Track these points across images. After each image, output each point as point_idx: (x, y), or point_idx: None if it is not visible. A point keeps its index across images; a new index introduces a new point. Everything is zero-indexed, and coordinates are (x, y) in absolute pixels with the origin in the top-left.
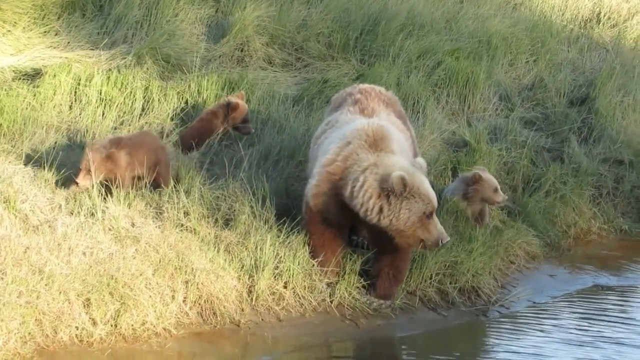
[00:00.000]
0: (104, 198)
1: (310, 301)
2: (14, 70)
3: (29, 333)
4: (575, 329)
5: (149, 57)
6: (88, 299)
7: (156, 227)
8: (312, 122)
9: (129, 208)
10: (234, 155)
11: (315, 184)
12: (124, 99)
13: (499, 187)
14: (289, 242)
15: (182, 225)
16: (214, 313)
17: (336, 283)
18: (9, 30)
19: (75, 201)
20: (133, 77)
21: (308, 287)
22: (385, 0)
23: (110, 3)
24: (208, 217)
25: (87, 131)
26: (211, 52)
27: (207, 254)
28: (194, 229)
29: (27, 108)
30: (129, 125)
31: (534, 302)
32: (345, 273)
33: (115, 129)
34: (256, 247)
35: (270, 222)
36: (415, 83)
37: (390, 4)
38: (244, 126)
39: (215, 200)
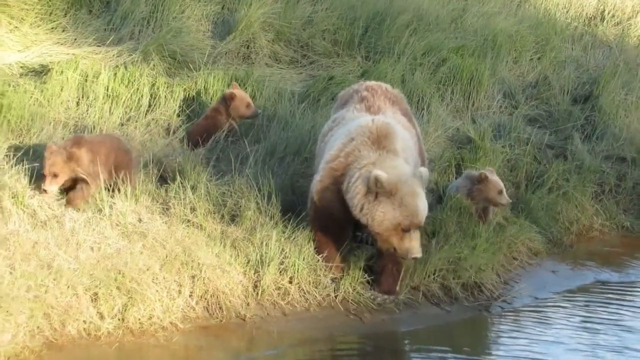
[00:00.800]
0: (111, 194)
1: (315, 296)
2: (21, 67)
3: (38, 327)
4: (577, 325)
5: (155, 53)
6: (96, 294)
7: (163, 222)
8: (318, 119)
9: (136, 204)
10: (239, 151)
11: (319, 180)
12: (131, 95)
13: (504, 189)
14: (294, 238)
15: (188, 220)
16: (220, 307)
17: (341, 278)
18: (16, 27)
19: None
20: (140, 73)
21: (313, 282)
22: None
23: (117, 0)
24: (214, 213)
25: (94, 127)
26: (217, 48)
27: (214, 249)
28: (201, 225)
29: (34, 104)
30: (136, 121)
31: (536, 298)
32: (349, 268)
33: (122, 125)
34: (262, 243)
35: (276, 218)
36: (420, 80)
37: (396, 1)
38: (249, 111)
39: (222, 196)
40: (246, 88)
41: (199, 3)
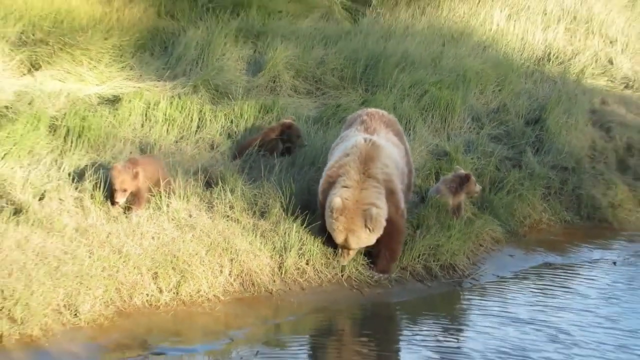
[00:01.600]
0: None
1: (326, 274)
2: (98, 97)
3: (111, 299)
4: (529, 295)
5: (202, 86)
6: (156, 273)
7: (208, 217)
8: (328, 137)
9: (187, 203)
10: (268, 162)
11: (321, 183)
12: (183, 119)
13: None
14: (310, 229)
15: (228, 216)
16: (252, 283)
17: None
18: (95, 66)
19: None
20: (190, 102)
21: (324, 264)
22: (385, 44)
23: (173, 45)
24: (248, 210)
25: (155, 144)
26: (250, 83)
27: (247, 238)
28: (237, 219)
29: (108, 126)
30: (187, 139)
31: (498, 276)
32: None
33: (177, 142)
34: (285, 233)
35: (296, 213)
36: (407, 107)
37: (389, 46)
38: (298, 141)
39: (254, 197)
40: (273, 113)
41: (236, 48)
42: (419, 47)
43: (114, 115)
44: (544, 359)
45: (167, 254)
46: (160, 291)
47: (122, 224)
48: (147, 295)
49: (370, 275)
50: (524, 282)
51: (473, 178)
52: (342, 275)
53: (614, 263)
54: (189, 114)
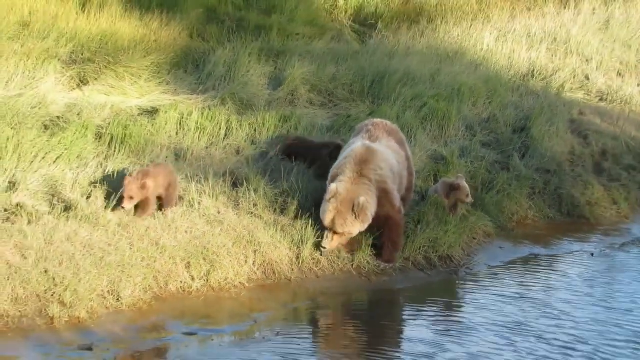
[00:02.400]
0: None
1: (339, 264)
2: (138, 109)
3: (149, 285)
4: (517, 282)
5: (229, 99)
6: (189, 262)
7: (234, 214)
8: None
9: (216, 201)
10: (287, 165)
11: (328, 181)
12: (213, 127)
13: (469, 192)
14: None
15: (252, 212)
16: (274, 272)
17: (356, 252)
18: (136, 81)
19: (180, 197)
20: (219, 113)
21: (337, 255)
22: (389, 62)
23: (204, 63)
24: (270, 207)
25: (187, 149)
26: (271, 96)
27: (269, 232)
28: (260, 215)
29: (147, 134)
30: (216, 145)
31: (489, 266)
32: (362, 246)
33: (207, 148)
34: (302, 227)
35: (312, 210)
36: (409, 117)
37: (392, 64)
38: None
39: (275, 196)
40: (291, 123)
41: (259, 65)
42: (419, 65)
43: (152, 125)
44: (529, 326)
45: (199, 246)
46: (193, 279)
47: (159, 219)
48: (181, 282)
49: (377, 264)
50: (513, 270)
51: (464, 188)
52: (352, 265)
53: (592, 254)
54: (217, 123)
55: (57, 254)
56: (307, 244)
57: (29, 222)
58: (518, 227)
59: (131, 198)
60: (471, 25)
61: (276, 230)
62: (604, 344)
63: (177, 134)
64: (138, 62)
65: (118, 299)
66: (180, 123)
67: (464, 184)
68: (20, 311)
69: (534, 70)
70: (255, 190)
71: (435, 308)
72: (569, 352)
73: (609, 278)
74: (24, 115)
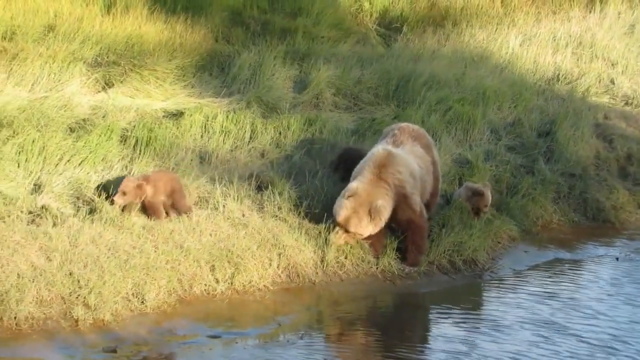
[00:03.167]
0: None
1: (363, 267)
2: (164, 111)
3: (173, 288)
4: (541, 286)
5: (254, 102)
6: (213, 265)
7: (259, 217)
8: (364, 147)
9: (241, 204)
10: (311, 168)
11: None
12: (238, 130)
13: (489, 203)
14: None
15: (276, 215)
16: (298, 275)
17: (381, 256)
18: (161, 84)
19: (205, 200)
20: (244, 116)
21: (361, 258)
22: (414, 65)
23: (229, 66)
24: (294, 210)
25: (212, 152)
26: (296, 99)
27: (293, 235)
28: (285, 219)
29: (172, 136)
30: (241, 148)
31: (514, 270)
32: (386, 249)
33: (232, 151)
34: (326, 231)
35: None
36: (434, 121)
37: (417, 68)
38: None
39: (299, 199)
40: (316, 126)
41: (284, 68)
42: (444, 69)
43: (177, 127)
44: (565, 326)
45: (223, 248)
46: (217, 281)
47: (184, 222)
48: (205, 285)
49: (402, 268)
50: (537, 274)
51: (486, 197)
52: (377, 268)
53: (617, 258)
54: (242, 126)
55: (81, 256)
56: (331, 247)
57: (54, 225)
58: (543, 231)
59: (124, 194)
60: (496, 29)
61: (300, 234)
62: None
63: (201, 137)
64: (163, 65)
65: (142, 302)
66: (205, 126)
67: (488, 193)
68: (44, 313)
69: (559, 74)
70: (280, 194)
71: (463, 309)
72: (610, 351)
73: (632, 282)
74: (50, 118)
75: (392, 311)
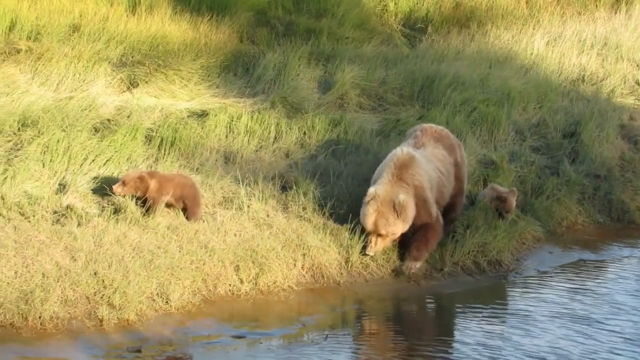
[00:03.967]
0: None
1: (387, 268)
2: (188, 111)
3: (198, 288)
4: (566, 287)
5: (279, 103)
6: (237, 266)
7: (283, 217)
8: (388, 148)
9: (265, 204)
10: (336, 169)
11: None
12: (262, 131)
13: (512, 209)
14: None
15: (301, 216)
16: (322, 275)
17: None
18: (185, 85)
19: (229, 200)
20: (268, 116)
21: (385, 259)
22: (438, 66)
23: (254, 67)
24: (319, 211)
25: (237, 152)
26: (321, 100)
27: (318, 235)
28: (309, 219)
29: (197, 136)
30: (266, 149)
31: (538, 270)
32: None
33: (257, 151)
34: (351, 231)
35: None
36: (459, 122)
37: (442, 68)
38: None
39: (324, 199)
40: (341, 127)
41: (308, 69)
42: (468, 69)
43: (202, 127)
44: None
45: (248, 249)
46: (241, 282)
47: (208, 222)
48: (230, 285)
49: (403, 267)
50: (561, 275)
51: (510, 204)
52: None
53: None
54: (267, 127)
55: (106, 256)
56: (355, 247)
57: (79, 224)
58: (567, 232)
59: (124, 183)
60: (521, 30)
61: (325, 234)
62: None
63: (226, 137)
64: (188, 65)
65: (167, 302)
66: (229, 126)
67: (512, 199)
68: (69, 313)
69: (584, 75)
70: (305, 194)
71: (488, 309)
72: None
73: None
74: (74, 118)
75: (417, 312)
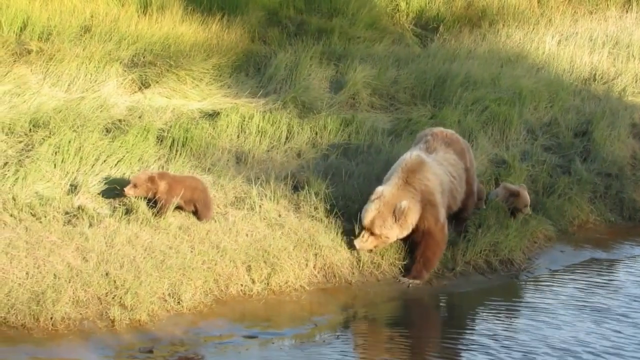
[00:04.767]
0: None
1: (399, 268)
2: (200, 111)
3: (209, 288)
4: (577, 286)
5: (291, 102)
6: (249, 266)
7: (295, 217)
8: (400, 147)
9: (277, 204)
10: (348, 169)
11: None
12: (274, 131)
13: (528, 203)
14: None
15: (313, 216)
16: (334, 275)
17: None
18: (197, 85)
19: (241, 200)
20: (280, 116)
21: (397, 258)
22: (450, 65)
23: (265, 66)
24: (330, 211)
25: (249, 152)
26: (333, 99)
27: (330, 235)
28: (321, 219)
29: (208, 137)
30: (277, 148)
31: (550, 270)
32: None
33: (268, 151)
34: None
35: None
36: (470, 121)
37: (453, 68)
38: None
39: (336, 199)
40: (352, 127)
41: (320, 69)
42: (480, 69)
43: (213, 128)
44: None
45: (259, 249)
46: (253, 282)
47: (220, 222)
48: (242, 285)
49: (402, 282)
50: (573, 274)
51: (524, 198)
52: None
53: None
54: (279, 127)
55: (118, 256)
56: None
57: (90, 225)
58: (579, 231)
59: (135, 186)
60: (533, 29)
61: (337, 234)
62: None
63: (238, 137)
64: (199, 65)
65: (179, 302)
66: (241, 126)
67: (525, 193)
68: (81, 314)
69: (595, 74)
70: (316, 194)
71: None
72: None
73: None
74: (86, 118)
75: (429, 311)
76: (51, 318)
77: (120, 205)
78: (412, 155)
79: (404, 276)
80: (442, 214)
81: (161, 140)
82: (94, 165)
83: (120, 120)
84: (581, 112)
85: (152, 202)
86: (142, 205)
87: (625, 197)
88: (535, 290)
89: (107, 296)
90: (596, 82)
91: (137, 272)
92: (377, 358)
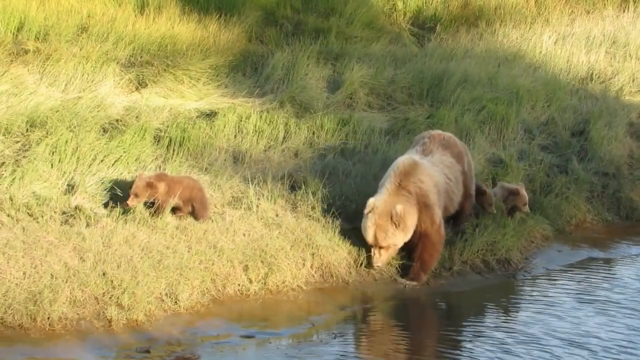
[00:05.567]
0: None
1: (396, 268)
2: (197, 111)
3: (206, 288)
4: (575, 285)
5: (288, 102)
6: (246, 265)
7: (292, 217)
8: (397, 147)
9: (274, 204)
10: (345, 168)
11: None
12: (271, 130)
13: (527, 201)
14: None
15: (310, 215)
16: (331, 275)
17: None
18: (194, 84)
19: (238, 200)
20: (277, 116)
21: (395, 258)
22: (447, 65)
23: (262, 66)
24: (328, 210)
25: (246, 152)
26: (330, 99)
27: (327, 235)
28: (318, 218)
29: (205, 136)
30: (275, 148)
31: (547, 269)
32: None
33: (265, 151)
34: (360, 231)
35: None
36: (467, 120)
37: (451, 67)
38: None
39: (333, 198)
40: (349, 126)
41: (317, 68)
42: (477, 68)
43: (211, 127)
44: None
45: (256, 248)
46: (250, 281)
47: (217, 222)
48: (239, 285)
49: (400, 283)
50: (570, 273)
51: (523, 196)
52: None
53: None
54: (276, 126)
55: (115, 256)
56: (365, 246)
57: (87, 225)
58: (576, 231)
59: (136, 196)
60: (530, 28)
61: (334, 233)
62: None
63: (235, 137)
64: (196, 65)
65: (176, 302)
66: (238, 126)
67: (524, 192)
68: (78, 313)
69: (592, 74)
70: (314, 193)
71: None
72: None
73: None
74: (83, 118)
75: (426, 311)
76: (48, 318)
77: (117, 205)
78: (405, 158)
79: (401, 277)
80: (438, 215)
81: (158, 140)
82: (91, 165)
83: (117, 120)
84: (578, 112)
85: (150, 202)
86: (139, 206)
87: (622, 197)
88: (532, 289)
89: (104, 296)
90: (593, 81)
91: (134, 272)
92: (375, 357)
